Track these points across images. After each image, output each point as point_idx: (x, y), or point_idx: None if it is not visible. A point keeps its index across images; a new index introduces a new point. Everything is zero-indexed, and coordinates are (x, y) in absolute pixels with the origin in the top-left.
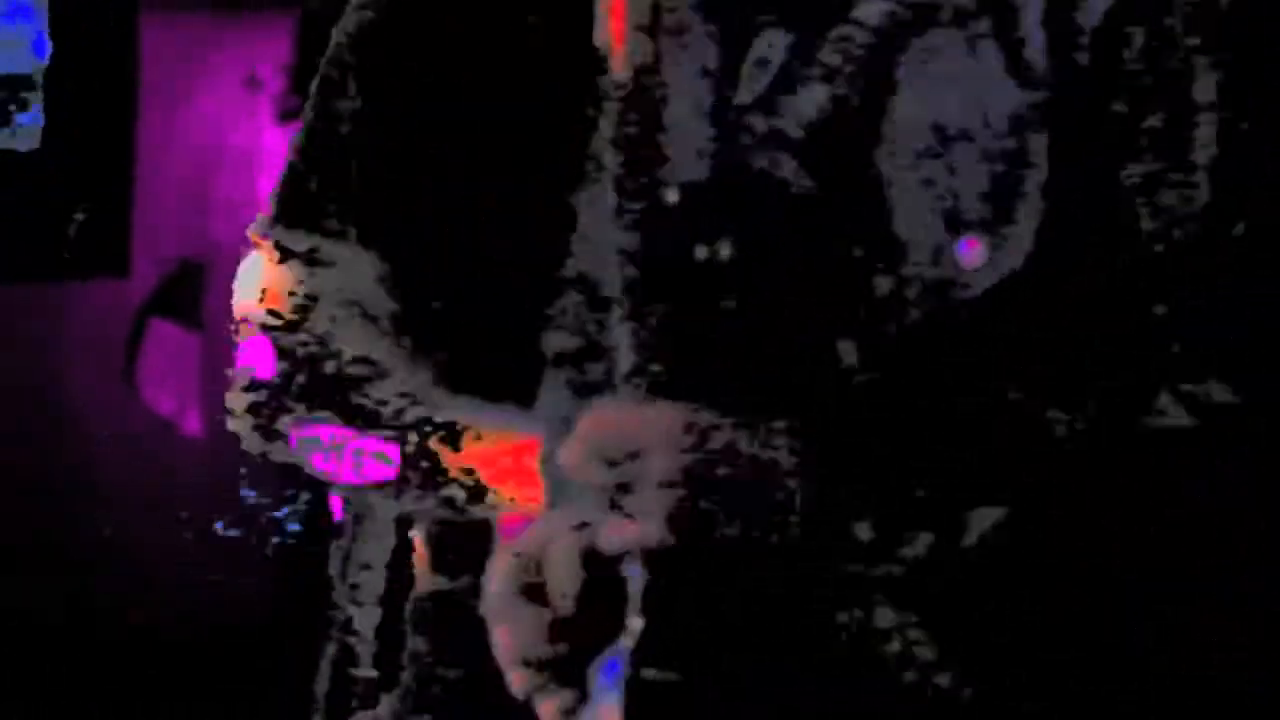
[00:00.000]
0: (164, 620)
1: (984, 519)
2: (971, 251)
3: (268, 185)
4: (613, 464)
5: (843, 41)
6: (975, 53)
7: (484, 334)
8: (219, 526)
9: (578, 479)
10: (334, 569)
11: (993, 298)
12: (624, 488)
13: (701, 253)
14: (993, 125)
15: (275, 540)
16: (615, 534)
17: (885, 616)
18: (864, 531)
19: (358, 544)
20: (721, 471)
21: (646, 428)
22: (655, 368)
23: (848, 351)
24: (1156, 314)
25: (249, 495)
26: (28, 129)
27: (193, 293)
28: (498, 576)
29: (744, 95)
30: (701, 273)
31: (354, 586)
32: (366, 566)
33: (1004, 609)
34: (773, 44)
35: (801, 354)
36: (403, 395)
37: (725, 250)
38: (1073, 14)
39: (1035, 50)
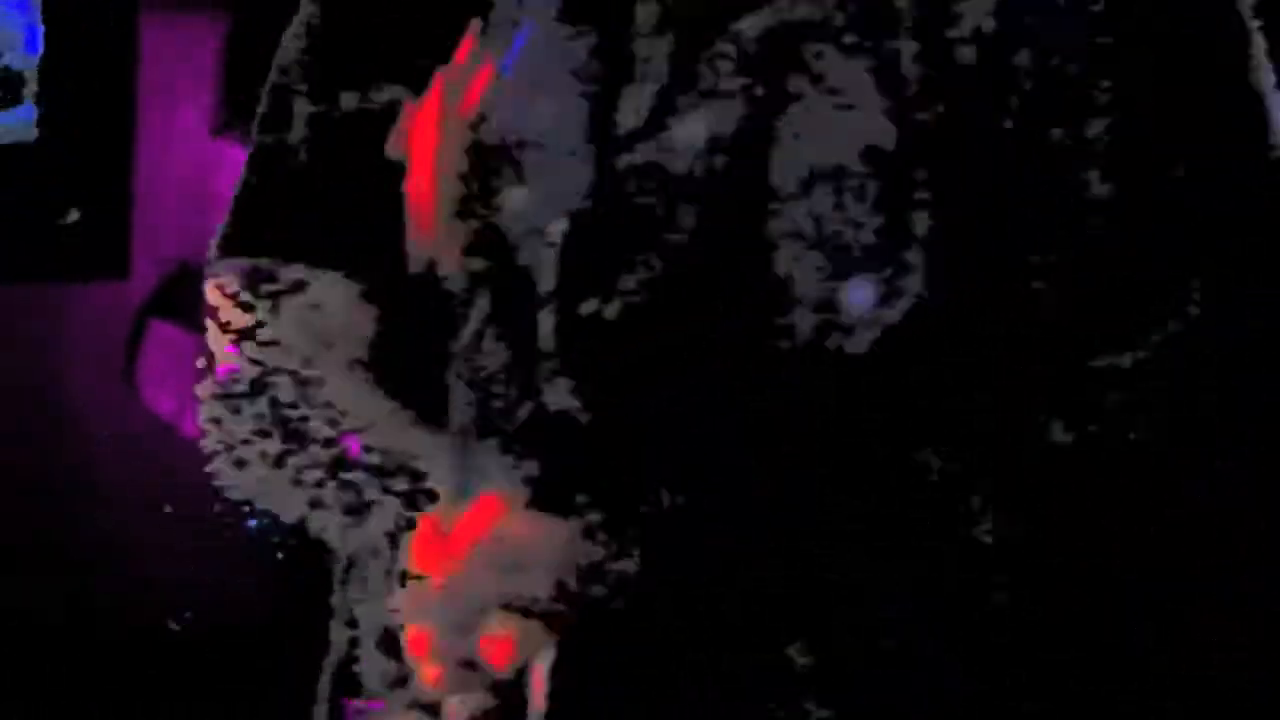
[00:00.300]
0: (164, 620)
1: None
2: (860, 295)
3: None
4: (500, 575)
5: (723, 60)
6: (853, 77)
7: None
8: (218, 527)
9: (465, 586)
10: (335, 577)
11: (884, 343)
12: (509, 596)
13: (589, 307)
14: (875, 157)
15: (276, 541)
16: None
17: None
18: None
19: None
20: (614, 600)
21: (536, 544)
22: (532, 418)
23: (738, 413)
24: (1055, 352)
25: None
26: (21, 123)
27: (193, 293)
28: (429, 656)
29: (626, 121)
30: (587, 328)
31: (355, 599)
32: (365, 583)
33: (994, 615)
34: (650, 62)
35: (692, 423)
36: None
37: (612, 309)
38: (946, 32)
39: (910, 74)
